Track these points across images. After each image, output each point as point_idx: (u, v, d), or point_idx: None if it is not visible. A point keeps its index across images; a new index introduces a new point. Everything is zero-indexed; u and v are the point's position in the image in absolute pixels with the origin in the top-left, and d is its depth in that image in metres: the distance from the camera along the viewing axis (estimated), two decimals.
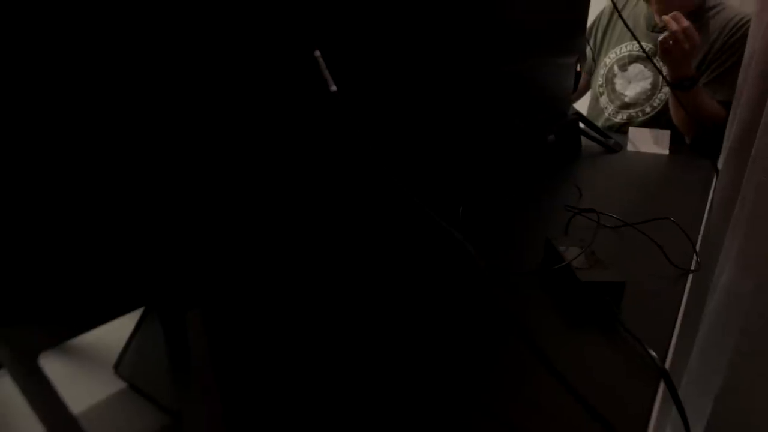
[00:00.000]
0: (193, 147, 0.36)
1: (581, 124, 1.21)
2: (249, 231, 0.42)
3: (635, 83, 1.40)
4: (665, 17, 1.13)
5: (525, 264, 0.62)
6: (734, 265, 0.69)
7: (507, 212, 0.81)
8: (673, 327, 0.51)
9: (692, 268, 0.63)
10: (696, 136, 1.27)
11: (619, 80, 1.44)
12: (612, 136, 1.24)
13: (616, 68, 1.44)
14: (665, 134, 1.23)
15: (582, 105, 1.58)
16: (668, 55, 1.15)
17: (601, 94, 1.47)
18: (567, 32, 1.05)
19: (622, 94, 1.43)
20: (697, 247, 0.71)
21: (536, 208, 0.84)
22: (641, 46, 1.19)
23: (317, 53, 0.45)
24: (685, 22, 1.11)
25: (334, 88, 0.46)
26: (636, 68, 1.40)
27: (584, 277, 0.52)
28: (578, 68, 1.23)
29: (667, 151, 1.21)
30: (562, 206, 0.81)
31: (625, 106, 1.41)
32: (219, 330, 0.38)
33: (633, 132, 1.26)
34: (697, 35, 1.12)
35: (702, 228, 0.84)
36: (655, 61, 1.24)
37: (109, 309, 0.35)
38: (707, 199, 0.98)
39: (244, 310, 0.45)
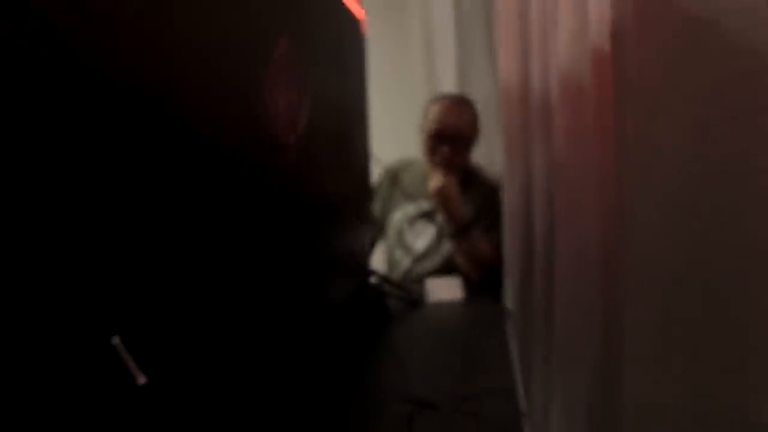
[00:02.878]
0: None
1: (383, 285, 1.26)
2: None
3: (423, 237, 1.55)
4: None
5: None
6: (561, 413, 0.75)
7: (334, 412, 0.77)
8: None
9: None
10: (480, 277, 1.42)
11: (408, 235, 1.57)
12: (412, 290, 1.32)
13: (404, 224, 1.58)
14: (457, 281, 1.35)
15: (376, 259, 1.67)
16: (440, 202, 1.34)
17: (394, 248, 1.59)
18: (357, 206, 1.12)
19: (413, 247, 1.56)
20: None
21: (366, 402, 0.82)
22: (422, 207, 1.35)
23: (116, 340, 0.39)
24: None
25: (143, 380, 0.39)
26: (422, 224, 1.56)
27: None
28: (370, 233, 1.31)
29: (462, 296, 1.32)
30: (391, 391, 0.80)
31: (418, 258, 1.54)
32: None
33: (429, 283, 1.35)
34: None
35: (517, 373, 0.91)
36: (436, 217, 1.42)
37: None
38: (510, 342, 1.07)
39: None
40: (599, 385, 0.73)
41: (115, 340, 0.39)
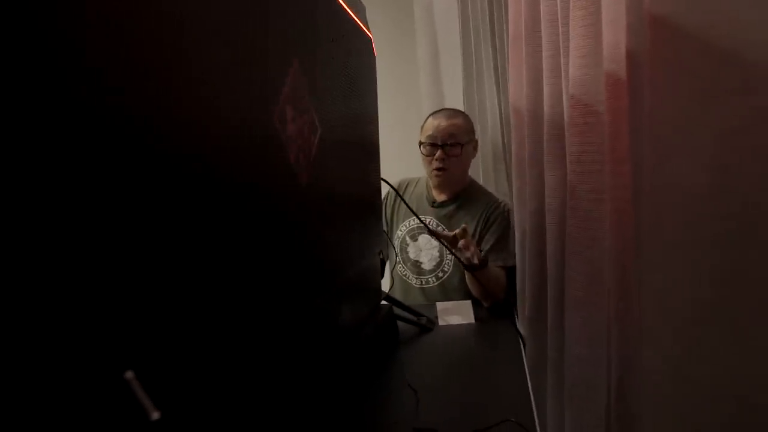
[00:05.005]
0: None
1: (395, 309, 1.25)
2: None
3: (426, 251, 1.56)
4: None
5: None
6: None
7: None
8: None
9: None
10: (492, 302, 1.40)
11: (411, 249, 1.58)
12: (423, 314, 1.30)
13: (407, 239, 1.59)
14: (468, 305, 1.33)
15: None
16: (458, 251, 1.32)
17: (398, 263, 1.59)
18: (369, 227, 1.11)
19: (417, 261, 1.56)
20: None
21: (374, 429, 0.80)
22: (423, 223, 1.36)
23: (129, 375, 0.39)
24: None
25: (156, 415, 0.39)
26: (424, 239, 1.56)
27: None
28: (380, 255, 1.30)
29: (473, 320, 1.30)
30: (401, 421, 0.79)
31: (421, 272, 1.55)
32: None
33: (440, 307, 1.34)
34: (466, 235, 1.31)
35: (533, 403, 0.89)
36: (438, 232, 1.41)
37: None
38: (524, 367, 1.06)
39: None
40: (613, 415, 0.72)
41: (129, 374, 0.38)
